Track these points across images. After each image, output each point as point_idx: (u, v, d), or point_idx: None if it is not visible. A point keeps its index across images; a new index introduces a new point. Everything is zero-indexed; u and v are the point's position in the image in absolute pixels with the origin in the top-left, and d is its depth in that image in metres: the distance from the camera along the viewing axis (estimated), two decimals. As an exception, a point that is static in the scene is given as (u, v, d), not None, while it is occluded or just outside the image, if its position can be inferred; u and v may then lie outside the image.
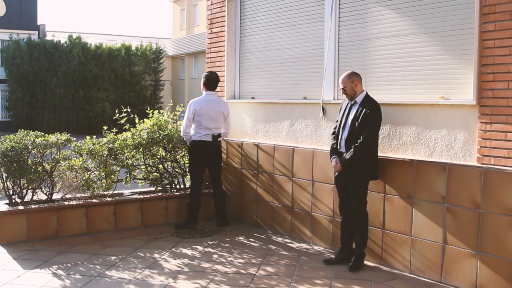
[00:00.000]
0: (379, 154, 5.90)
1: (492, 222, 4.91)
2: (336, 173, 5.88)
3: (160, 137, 7.75)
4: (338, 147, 5.78)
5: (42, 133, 7.23)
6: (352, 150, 5.57)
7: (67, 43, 34.65)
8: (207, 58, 8.53)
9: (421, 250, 5.52)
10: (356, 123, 5.58)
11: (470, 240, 5.10)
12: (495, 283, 4.90)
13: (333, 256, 6.05)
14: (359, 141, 5.54)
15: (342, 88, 5.72)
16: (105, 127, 7.87)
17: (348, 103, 5.77)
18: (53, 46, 33.90)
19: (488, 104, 4.99)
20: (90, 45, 35.30)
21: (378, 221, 5.92)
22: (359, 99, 5.68)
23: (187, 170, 7.91)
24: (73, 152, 7.37)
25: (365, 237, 5.80)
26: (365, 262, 5.96)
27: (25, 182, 6.96)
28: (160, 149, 7.94)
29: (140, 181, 8.03)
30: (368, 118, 5.54)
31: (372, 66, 6.18)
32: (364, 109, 5.56)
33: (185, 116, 7.49)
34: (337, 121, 5.91)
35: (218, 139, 7.45)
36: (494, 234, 4.90)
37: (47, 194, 7.16)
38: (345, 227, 5.92)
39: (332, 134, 5.96)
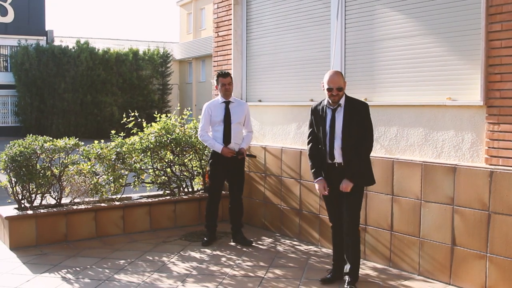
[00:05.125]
0: (387, 156, 5.89)
1: (501, 223, 4.89)
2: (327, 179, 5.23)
3: (168, 140, 7.76)
4: (330, 159, 5.14)
5: (51, 138, 7.28)
6: (359, 157, 5.07)
7: (75, 48, 34.83)
8: (214, 61, 8.55)
9: (430, 251, 5.50)
10: (350, 128, 5.05)
11: (479, 241, 5.08)
12: (504, 284, 4.88)
13: (329, 275, 5.45)
14: (364, 144, 5.09)
15: (338, 88, 5.05)
16: (113, 132, 7.90)
17: (327, 109, 5.15)
18: (61, 51, 34.09)
19: (495, 104, 4.97)
20: (98, 50, 35.46)
21: (386, 223, 5.90)
22: (342, 101, 5.13)
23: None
24: (81, 157, 7.41)
25: (358, 266, 5.29)
26: (374, 263, 5.95)
27: (34, 186, 7.00)
28: (168, 152, 7.96)
29: (148, 185, 8.05)
30: (365, 118, 5.12)
31: (378, 67, 6.17)
32: (355, 111, 5.08)
33: (251, 120, 7.14)
34: (311, 132, 5.31)
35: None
36: (503, 235, 4.88)
37: (56, 198, 7.20)
38: (338, 245, 5.37)
39: (309, 150, 5.30)
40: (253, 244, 6.83)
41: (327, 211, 5.48)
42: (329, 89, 5.06)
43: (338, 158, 5.12)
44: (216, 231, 7.07)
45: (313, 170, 5.26)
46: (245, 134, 7.02)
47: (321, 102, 5.26)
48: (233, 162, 6.83)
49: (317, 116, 5.23)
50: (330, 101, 5.10)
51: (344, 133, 5.07)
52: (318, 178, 5.20)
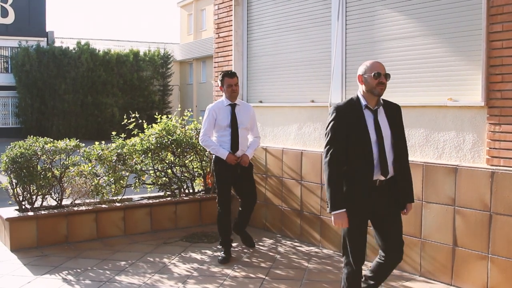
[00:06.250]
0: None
1: (503, 223, 4.88)
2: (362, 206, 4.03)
3: (169, 142, 7.76)
4: (383, 175, 3.99)
5: (51, 139, 7.28)
6: (408, 173, 4.22)
7: (76, 49, 34.92)
8: (215, 62, 8.55)
9: (431, 252, 5.49)
10: (396, 135, 4.10)
11: (480, 242, 5.07)
12: (506, 285, 4.87)
13: None
14: (407, 157, 4.25)
15: (386, 75, 4.01)
16: (113, 133, 7.91)
17: (366, 110, 4.03)
18: (61, 52, 34.17)
19: (496, 105, 4.96)
20: (99, 51, 35.55)
21: (387, 224, 5.89)
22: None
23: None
24: (82, 158, 7.41)
25: None
26: (375, 265, 5.94)
27: (34, 188, 7.00)
28: (169, 154, 7.96)
29: (149, 186, 8.05)
30: (402, 124, 4.23)
31: (379, 68, 6.16)
32: (393, 114, 4.15)
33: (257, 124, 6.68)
34: (335, 141, 3.96)
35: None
36: (504, 235, 4.87)
37: (57, 200, 7.20)
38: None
39: (336, 166, 3.95)
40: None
41: (353, 248, 4.07)
42: (376, 75, 3.95)
43: (392, 172, 4.07)
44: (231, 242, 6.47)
45: (337, 197, 3.95)
46: (251, 140, 6.49)
47: (349, 102, 4.08)
48: (240, 167, 6.27)
49: (351, 119, 3.99)
50: (375, 92, 3.98)
51: (393, 141, 4.06)
52: (342, 210, 3.95)
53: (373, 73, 3.97)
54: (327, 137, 4.01)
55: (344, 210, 3.94)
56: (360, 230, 4.06)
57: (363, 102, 4.03)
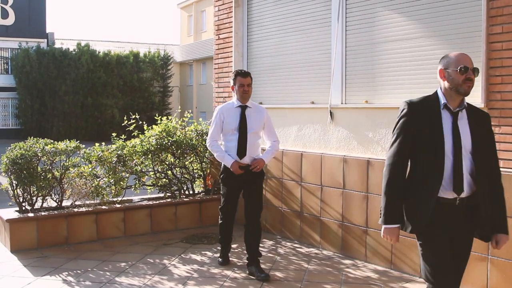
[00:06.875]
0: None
1: (502, 225, 4.88)
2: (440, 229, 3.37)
3: (169, 143, 7.77)
4: (456, 192, 3.31)
5: (52, 141, 7.29)
6: (501, 195, 3.50)
7: (76, 50, 34.90)
8: (215, 64, 8.55)
9: (431, 254, 5.48)
10: (480, 144, 3.38)
11: (480, 243, 5.03)
12: (506, 286, 4.87)
13: None
14: (499, 173, 3.54)
15: (475, 70, 3.36)
16: (114, 134, 7.91)
17: (445, 110, 3.37)
18: (62, 53, 34.16)
19: (496, 106, 4.97)
20: (99, 52, 35.54)
21: (387, 225, 5.88)
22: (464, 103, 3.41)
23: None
24: (82, 159, 7.42)
25: None
26: (375, 266, 5.94)
27: (35, 189, 7.00)
28: (169, 155, 7.96)
29: (149, 187, 8.05)
30: (492, 134, 3.53)
31: (379, 70, 6.17)
32: (480, 120, 3.44)
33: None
34: (401, 144, 3.36)
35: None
36: (504, 237, 4.86)
37: (57, 201, 7.21)
38: None
39: (396, 174, 3.38)
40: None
41: (438, 278, 3.51)
42: (463, 70, 3.31)
43: (468, 189, 3.34)
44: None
45: (394, 210, 3.40)
46: (269, 145, 5.98)
47: (425, 98, 3.47)
48: (249, 176, 5.77)
49: (424, 118, 3.35)
50: (461, 90, 3.32)
51: (476, 151, 3.35)
52: (395, 225, 3.40)
53: (458, 67, 3.32)
54: (393, 137, 3.41)
55: (398, 226, 3.39)
56: (443, 253, 3.43)
57: (442, 100, 3.38)
